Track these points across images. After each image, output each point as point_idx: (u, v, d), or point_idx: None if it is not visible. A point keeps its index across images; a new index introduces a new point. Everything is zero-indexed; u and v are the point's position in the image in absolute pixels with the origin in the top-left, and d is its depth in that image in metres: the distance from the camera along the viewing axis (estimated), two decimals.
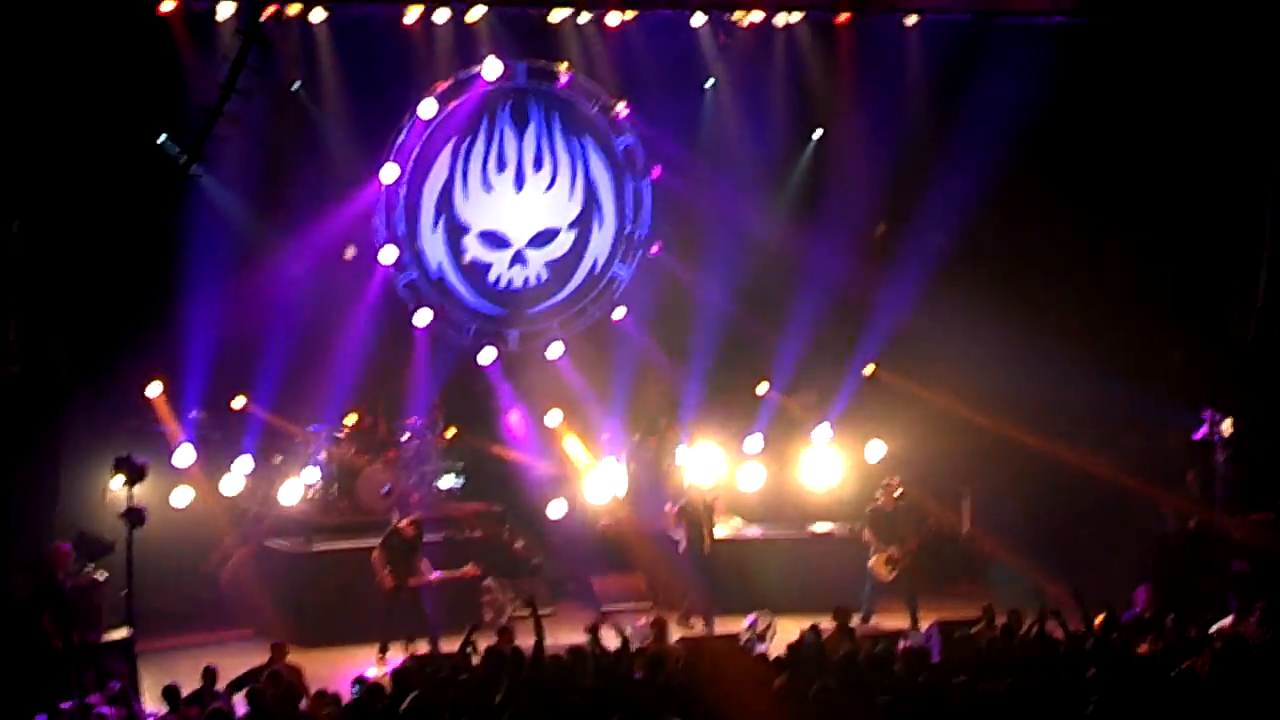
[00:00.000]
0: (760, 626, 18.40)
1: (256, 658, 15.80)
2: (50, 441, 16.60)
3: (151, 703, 15.53)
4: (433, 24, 21.86)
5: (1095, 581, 18.76)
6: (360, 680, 14.26)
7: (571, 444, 22.90)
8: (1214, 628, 16.26)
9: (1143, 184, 22.68)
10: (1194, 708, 12.98)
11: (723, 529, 21.38)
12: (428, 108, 22.31)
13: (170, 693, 14.47)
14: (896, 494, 20.22)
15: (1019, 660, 14.24)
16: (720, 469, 22.19)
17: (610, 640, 15.03)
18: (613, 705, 12.57)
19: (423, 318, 22.79)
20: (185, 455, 20.80)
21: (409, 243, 22.74)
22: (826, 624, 16.81)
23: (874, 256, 23.55)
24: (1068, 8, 22.79)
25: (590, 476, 22.60)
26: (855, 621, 18.79)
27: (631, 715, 12.40)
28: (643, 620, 17.51)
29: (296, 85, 21.48)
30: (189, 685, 14.98)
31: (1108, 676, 13.25)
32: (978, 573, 21.86)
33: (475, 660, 14.76)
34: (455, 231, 22.99)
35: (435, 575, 19.04)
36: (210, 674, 14.97)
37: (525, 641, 15.09)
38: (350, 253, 22.36)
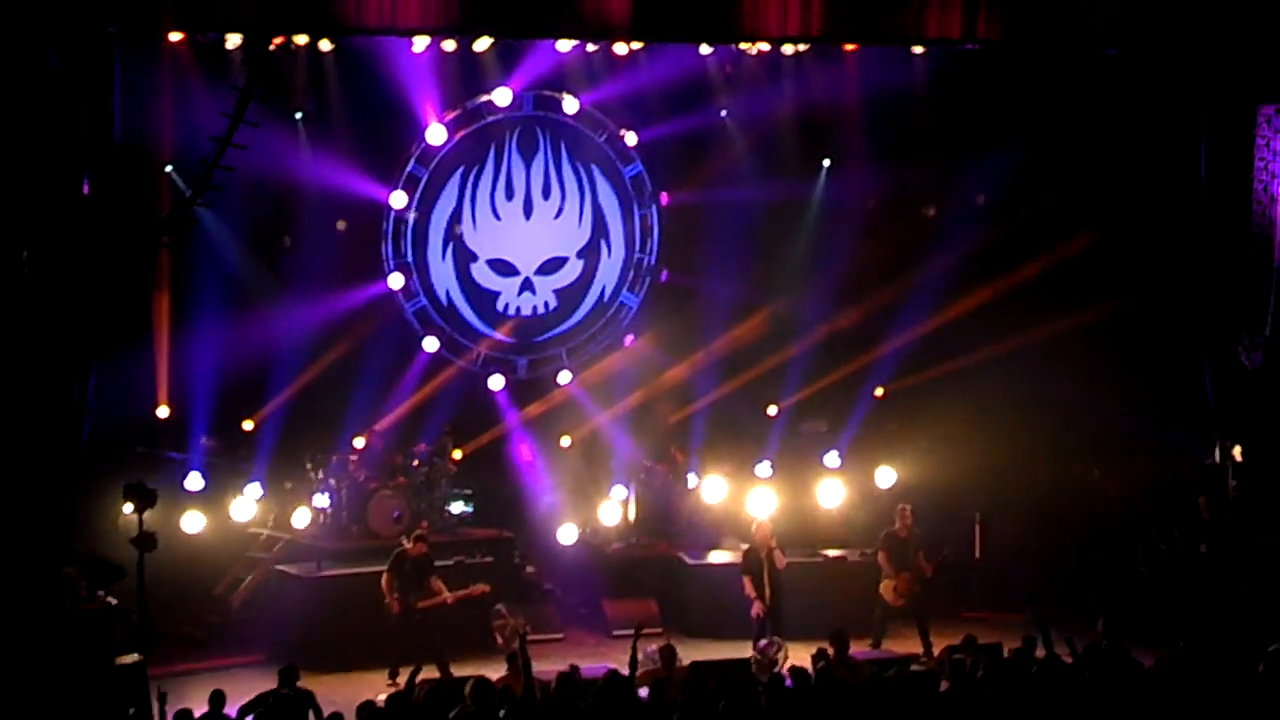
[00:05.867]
0: (771, 652, 18.36)
1: (267, 683, 15.74)
2: (64, 466, 16.57)
3: None
4: (441, 52, 21.90)
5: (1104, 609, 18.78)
6: (366, 705, 14.19)
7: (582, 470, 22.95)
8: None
9: (1153, 211, 22.69)
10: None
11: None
12: (436, 134, 22.39)
13: (182, 717, 14.36)
14: (909, 521, 20.20)
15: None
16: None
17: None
18: None
19: (431, 344, 22.85)
20: (195, 481, 21.01)
21: (417, 270, 22.82)
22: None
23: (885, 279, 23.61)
24: (1084, 39, 22.65)
25: (600, 502, 22.61)
26: (865, 646, 18.86)
27: None
28: (652, 646, 17.35)
29: (298, 115, 21.61)
30: (200, 711, 14.93)
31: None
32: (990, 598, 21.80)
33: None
34: (463, 259, 23.06)
35: (447, 596, 19.01)
36: (218, 698, 14.91)
37: (539, 667, 15.02)
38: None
